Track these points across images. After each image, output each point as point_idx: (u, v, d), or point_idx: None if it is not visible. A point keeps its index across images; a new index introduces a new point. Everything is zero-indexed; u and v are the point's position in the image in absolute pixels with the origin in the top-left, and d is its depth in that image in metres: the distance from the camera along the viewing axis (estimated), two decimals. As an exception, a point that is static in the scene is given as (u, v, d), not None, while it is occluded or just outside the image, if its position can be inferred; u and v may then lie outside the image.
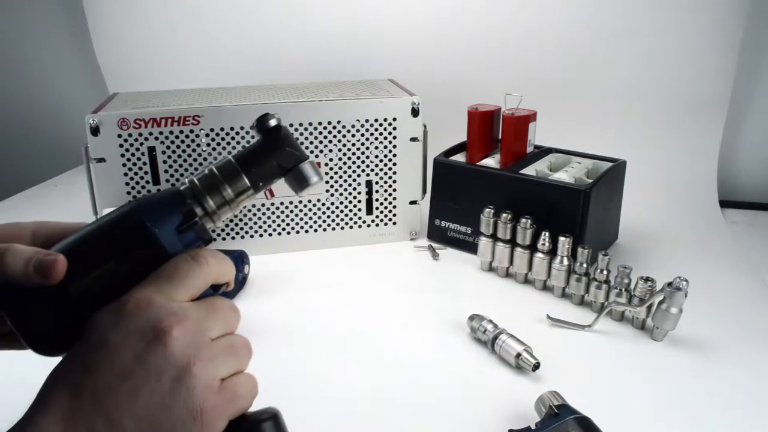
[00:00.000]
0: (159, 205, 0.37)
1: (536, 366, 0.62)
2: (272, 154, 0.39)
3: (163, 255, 0.36)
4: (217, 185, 0.38)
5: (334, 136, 0.89)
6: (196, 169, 0.86)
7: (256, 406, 0.38)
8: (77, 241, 0.35)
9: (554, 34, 1.21)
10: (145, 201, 0.37)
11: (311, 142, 0.88)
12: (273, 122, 0.39)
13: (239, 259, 0.80)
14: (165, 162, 0.85)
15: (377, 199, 0.93)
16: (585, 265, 0.74)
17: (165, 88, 1.03)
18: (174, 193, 0.38)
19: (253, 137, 0.86)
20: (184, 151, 0.85)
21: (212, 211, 0.38)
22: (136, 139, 0.83)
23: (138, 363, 0.31)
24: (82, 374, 0.31)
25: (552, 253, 0.77)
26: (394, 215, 0.95)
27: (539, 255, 0.78)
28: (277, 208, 0.91)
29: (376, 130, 0.90)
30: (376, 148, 0.90)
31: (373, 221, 0.94)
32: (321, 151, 0.89)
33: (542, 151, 0.93)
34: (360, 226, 0.94)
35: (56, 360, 0.33)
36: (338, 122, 0.88)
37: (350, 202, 0.93)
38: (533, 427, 0.50)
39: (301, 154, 0.40)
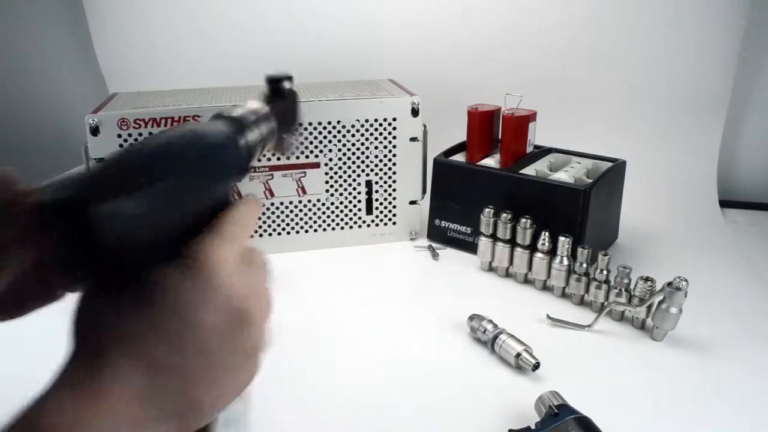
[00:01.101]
0: (215, 129, 0.34)
1: (536, 366, 0.62)
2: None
3: (220, 191, 0.33)
4: (258, 122, 0.39)
5: (334, 136, 0.88)
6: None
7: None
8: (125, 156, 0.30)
9: (554, 34, 1.21)
10: (193, 127, 0.33)
11: (311, 142, 0.88)
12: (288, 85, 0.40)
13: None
14: (165, 162, 0.85)
15: (377, 199, 0.93)
16: (585, 265, 0.74)
17: (165, 88, 1.02)
18: (228, 120, 0.36)
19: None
20: (184, 151, 0.85)
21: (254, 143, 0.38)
22: (136, 139, 0.83)
23: (225, 344, 0.29)
24: (161, 349, 0.28)
25: (552, 253, 0.77)
26: (394, 215, 0.95)
27: (539, 255, 0.78)
28: (277, 208, 0.91)
29: (376, 130, 0.89)
30: (376, 148, 0.90)
31: (373, 221, 0.94)
32: (321, 151, 0.89)
33: (542, 151, 0.93)
34: (360, 226, 0.94)
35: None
36: (338, 122, 0.88)
37: (350, 202, 0.93)
38: (533, 427, 0.50)
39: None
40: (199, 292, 0.29)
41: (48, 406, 0.26)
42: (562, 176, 0.84)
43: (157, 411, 0.28)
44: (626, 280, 0.71)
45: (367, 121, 0.89)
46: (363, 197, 0.93)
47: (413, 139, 0.91)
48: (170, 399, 0.28)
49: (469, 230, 0.91)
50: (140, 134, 0.83)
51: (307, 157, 0.89)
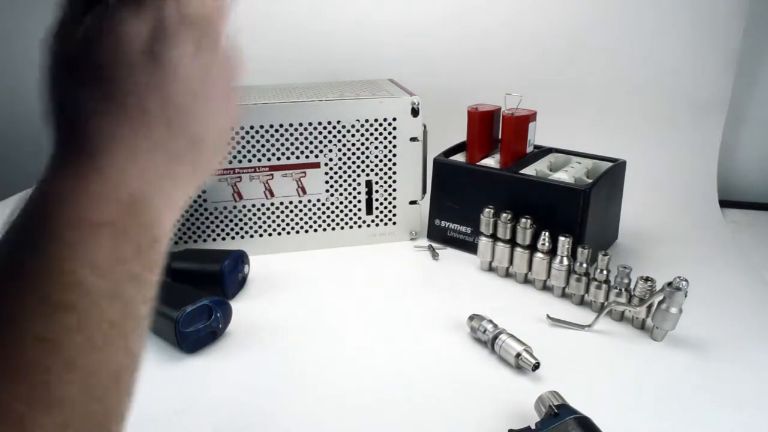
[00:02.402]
0: None
1: (536, 366, 0.62)
2: None
3: None
4: None
5: (334, 136, 0.89)
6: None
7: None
8: None
9: (554, 34, 1.21)
10: None
11: (311, 142, 0.88)
12: None
13: (239, 259, 0.80)
14: (165, 162, 0.85)
15: (377, 199, 0.93)
16: (585, 265, 0.74)
17: (165, 88, 1.02)
18: None
19: (253, 137, 0.86)
20: (184, 151, 0.85)
21: None
22: (136, 139, 0.83)
23: (203, 73, 0.30)
24: (148, 97, 0.28)
25: (552, 253, 0.77)
26: (394, 215, 0.95)
27: (539, 255, 0.78)
28: (277, 208, 0.91)
29: (376, 130, 0.90)
30: (376, 148, 0.90)
31: (373, 221, 0.94)
32: (321, 151, 0.89)
33: (542, 151, 0.93)
34: (360, 226, 0.94)
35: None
36: (338, 122, 0.88)
37: (350, 202, 0.93)
38: (533, 427, 0.50)
39: None
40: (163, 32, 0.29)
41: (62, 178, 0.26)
42: (562, 176, 0.84)
43: (168, 155, 0.29)
44: (626, 280, 0.71)
45: (367, 121, 0.89)
46: (363, 197, 0.93)
47: (413, 139, 0.91)
48: (174, 142, 0.29)
49: (469, 230, 0.91)
50: (140, 134, 0.83)
51: (307, 157, 0.89)
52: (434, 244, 0.94)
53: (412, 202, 0.95)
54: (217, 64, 0.32)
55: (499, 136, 0.90)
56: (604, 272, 0.73)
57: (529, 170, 0.87)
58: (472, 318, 0.69)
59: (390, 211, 0.95)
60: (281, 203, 0.91)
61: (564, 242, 0.75)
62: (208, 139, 0.31)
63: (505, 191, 0.85)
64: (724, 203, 1.12)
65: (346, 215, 0.93)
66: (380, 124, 0.89)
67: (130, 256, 0.27)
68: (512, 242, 0.81)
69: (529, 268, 0.80)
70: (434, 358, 0.66)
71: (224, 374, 0.64)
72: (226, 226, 0.90)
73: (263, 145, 0.87)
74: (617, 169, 0.89)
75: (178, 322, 0.64)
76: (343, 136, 0.89)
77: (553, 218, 0.80)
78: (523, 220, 0.79)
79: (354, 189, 0.92)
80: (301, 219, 0.92)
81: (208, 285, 0.74)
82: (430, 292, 0.82)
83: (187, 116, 0.30)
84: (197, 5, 0.31)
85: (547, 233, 0.77)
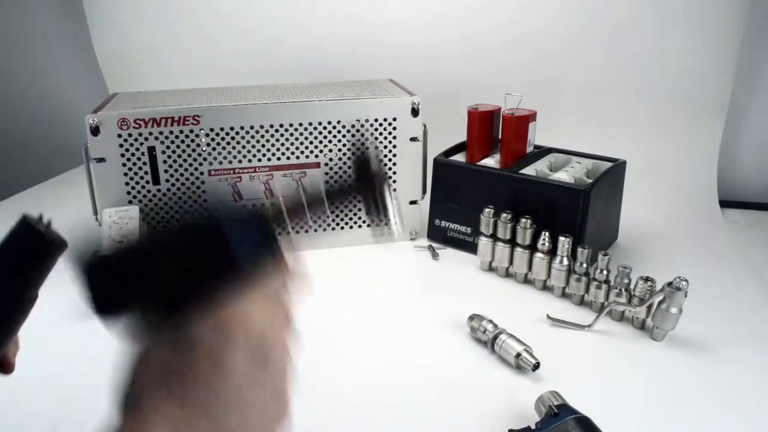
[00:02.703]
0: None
1: (536, 366, 0.62)
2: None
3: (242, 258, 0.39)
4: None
5: (334, 136, 0.89)
6: (196, 169, 0.86)
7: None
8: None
9: (554, 34, 1.21)
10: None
11: (311, 142, 0.88)
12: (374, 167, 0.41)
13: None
14: (165, 162, 0.85)
15: (377, 199, 0.93)
16: (585, 265, 0.74)
17: (165, 88, 1.03)
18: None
19: (253, 137, 0.86)
20: (184, 151, 0.85)
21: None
22: (136, 139, 0.83)
23: (250, 383, 0.34)
24: (198, 390, 0.32)
25: (552, 253, 0.77)
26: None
27: (539, 255, 0.78)
28: (277, 208, 0.91)
29: (376, 130, 0.90)
30: (376, 148, 0.90)
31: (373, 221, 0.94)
32: (321, 151, 0.89)
33: (542, 151, 0.93)
34: (360, 226, 0.94)
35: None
36: (338, 122, 0.88)
37: (350, 201, 0.92)
38: (533, 427, 0.50)
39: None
40: (221, 340, 0.34)
41: None
42: (562, 176, 0.84)
43: None
44: (626, 280, 0.71)
45: (367, 121, 0.89)
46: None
47: (413, 139, 0.91)
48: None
49: (469, 230, 0.91)
50: (140, 134, 0.83)
51: (307, 157, 0.89)
52: (434, 244, 0.94)
53: (412, 202, 0.95)
54: (267, 380, 0.35)
55: (499, 136, 0.90)
56: (604, 272, 0.73)
57: (529, 170, 0.86)
58: (472, 318, 0.69)
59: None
60: (281, 203, 0.90)
61: (564, 242, 0.75)
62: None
63: (505, 191, 0.85)
64: (724, 203, 1.12)
65: (346, 215, 0.93)
66: (380, 124, 0.89)
67: None
68: (512, 242, 0.81)
69: (529, 268, 0.80)
70: (434, 358, 0.66)
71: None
72: (226, 226, 0.90)
73: (263, 145, 0.87)
74: (617, 169, 0.89)
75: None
76: (343, 136, 0.89)
77: (553, 218, 0.80)
78: (523, 220, 0.79)
79: (354, 189, 0.92)
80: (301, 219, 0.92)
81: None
82: (430, 292, 0.82)
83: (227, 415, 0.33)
84: (263, 324, 0.36)
85: (547, 233, 0.77)
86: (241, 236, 0.40)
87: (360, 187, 0.43)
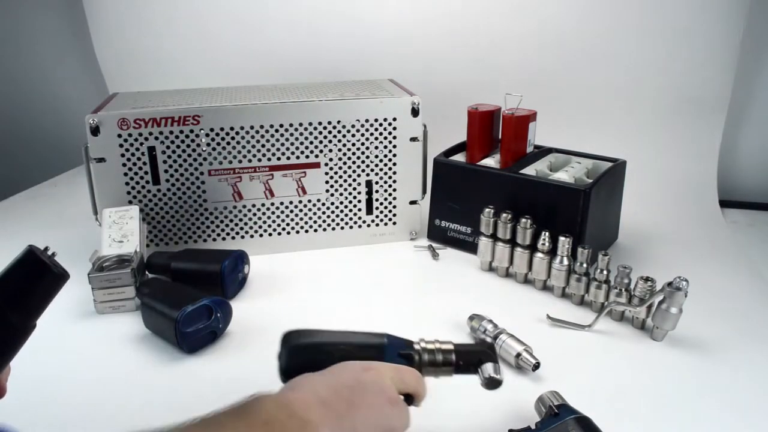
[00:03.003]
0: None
1: (536, 366, 0.62)
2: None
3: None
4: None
5: (334, 136, 0.89)
6: (196, 169, 0.86)
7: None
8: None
9: (554, 34, 1.21)
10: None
11: (311, 142, 0.88)
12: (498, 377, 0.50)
13: (239, 259, 0.80)
14: (165, 162, 0.85)
15: (377, 199, 0.93)
16: (585, 265, 0.74)
17: (165, 88, 1.03)
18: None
19: (253, 137, 0.86)
20: (184, 151, 0.85)
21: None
22: (136, 139, 0.83)
23: (382, 415, 0.43)
24: (346, 409, 0.41)
25: (552, 253, 0.77)
26: (394, 215, 0.95)
27: (539, 255, 0.78)
28: (277, 208, 0.91)
29: (376, 130, 0.90)
30: (376, 148, 0.90)
31: (373, 221, 0.94)
32: (321, 151, 0.89)
33: (542, 151, 0.93)
34: (360, 226, 0.94)
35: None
36: (338, 122, 0.88)
37: (350, 202, 0.93)
38: (533, 427, 0.50)
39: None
40: (369, 379, 0.45)
41: None
42: (562, 176, 0.84)
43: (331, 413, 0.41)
44: (626, 280, 0.71)
45: (367, 121, 0.89)
46: (363, 197, 0.93)
47: (413, 139, 0.91)
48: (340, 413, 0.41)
49: (469, 230, 0.91)
50: (140, 134, 0.83)
51: (307, 157, 0.89)
52: (434, 244, 0.94)
53: (412, 202, 0.95)
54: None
55: (499, 136, 0.90)
56: (604, 272, 0.73)
57: (529, 170, 0.87)
58: (472, 318, 0.69)
59: (390, 211, 0.95)
60: (281, 203, 0.91)
61: (564, 242, 0.75)
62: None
63: (505, 191, 0.85)
64: (724, 203, 1.12)
65: (346, 215, 0.93)
66: (380, 124, 0.89)
67: None
68: (512, 242, 0.81)
69: (529, 268, 0.80)
70: (434, 358, 0.66)
71: (224, 374, 0.64)
72: (226, 226, 0.90)
73: (263, 145, 0.87)
74: (617, 169, 0.89)
75: (178, 322, 0.64)
76: (343, 136, 0.89)
77: (553, 218, 0.80)
78: (523, 220, 0.79)
79: (354, 189, 0.92)
80: (301, 219, 0.92)
81: (208, 285, 0.74)
82: (430, 292, 0.82)
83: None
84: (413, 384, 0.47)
85: (547, 233, 0.77)
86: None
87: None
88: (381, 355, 0.50)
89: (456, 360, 0.51)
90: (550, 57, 1.22)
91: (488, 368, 0.50)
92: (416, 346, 0.52)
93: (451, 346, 0.52)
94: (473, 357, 0.51)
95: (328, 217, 0.93)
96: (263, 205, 0.90)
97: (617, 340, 0.69)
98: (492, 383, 0.50)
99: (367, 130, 0.89)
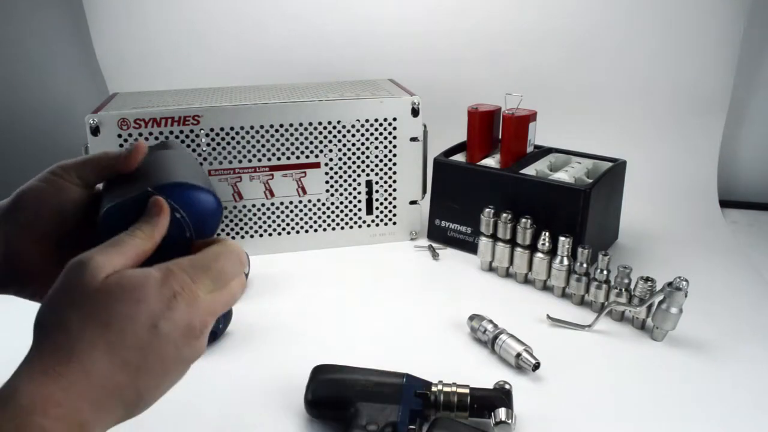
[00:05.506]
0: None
1: (536, 366, 0.62)
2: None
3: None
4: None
5: (334, 136, 0.89)
6: (196, 169, 0.86)
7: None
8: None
9: (554, 34, 1.21)
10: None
11: (311, 142, 0.88)
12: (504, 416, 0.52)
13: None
14: (165, 162, 0.85)
15: (377, 199, 0.93)
16: (585, 265, 0.74)
17: (165, 88, 1.03)
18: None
19: (253, 137, 0.86)
20: (184, 151, 0.85)
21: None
22: (136, 139, 0.83)
23: (177, 352, 0.36)
24: (131, 350, 0.34)
25: (552, 253, 0.77)
26: (394, 215, 0.95)
27: (539, 255, 0.78)
28: (277, 208, 0.91)
29: (376, 130, 0.90)
30: (376, 148, 0.90)
31: (373, 221, 0.94)
32: (321, 151, 0.89)
33: (542, 151, 0.93)
34: (360, 226, 0.94)
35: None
36: (338, 122, 0.88)
37: (350, 202, 0.93)
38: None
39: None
40: (167, 309, 0.35)
41: (24, 385, 0.31)
42: (562, 176, 0.84)
43: (111, 400, 0.33)
44: (626, 280, 0.71)
45: (367, 121, 0.89)
46: (363, 197, 0.93)
47: (413, 139, 0.91)
48: (124, 391, 0.34)
49: (469, 230, 0.91)
50: (140, 134, 0.83)
51: (307, 157, 0.89)
52: (434, 244, 0.94)
53: (413, 202, 0.95)
54: (195, 350, 0.37)
55: (499, 136, 0.90)
56: (604, 272, 0.73)
57: (529, 170, 0.87)
58: (472, 318, 0.69)
59: (390, 211, 0.95)
60: (281, 203, 0.90)
61: (564, 242, 0.75)
62: (151, 397, 0.36)
63: (505, 191, 0.85)
64: (724, 203, 1.12)
65: (346, 215, 0.93)
66: (380, 124, 0.89)
67: None
68: (512, 242, 0.81)
69: (529, 268, 0.80)
70: (434, 358, 0.66)
71: (224, 374, 0.64)
72: (226, 226, 0.90)
73: (263, 145, 0.87)
74: (617, 169, 0.89)
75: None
76: (343, 136, 0.89)
77: (553, 218, 0.80)
78: (523, 220, 0.79)
79: (354, 189, 0.92)
80: (301, 219, 0.92)
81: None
82: (430, 292, 0.82)
83: (149, 377, 0.35)
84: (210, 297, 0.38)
85: (547, 233, 0.77)
86: None
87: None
88: (398, 394, 0.53)
89: (471, 403, 0.54)
90: (551, 57, 1.22)
91: (501, 413, 0.52)
92: (434, 388, 0.54)
93: (467, 390, 0.54)
94: (488, 402, 0.54)
95: (328, 217, 0.93)
96: (263, 205, 0.90)
97: (617, 341, 0.69)
98: (501, 428, 0.52)
99: (367, 130, 0.89)
